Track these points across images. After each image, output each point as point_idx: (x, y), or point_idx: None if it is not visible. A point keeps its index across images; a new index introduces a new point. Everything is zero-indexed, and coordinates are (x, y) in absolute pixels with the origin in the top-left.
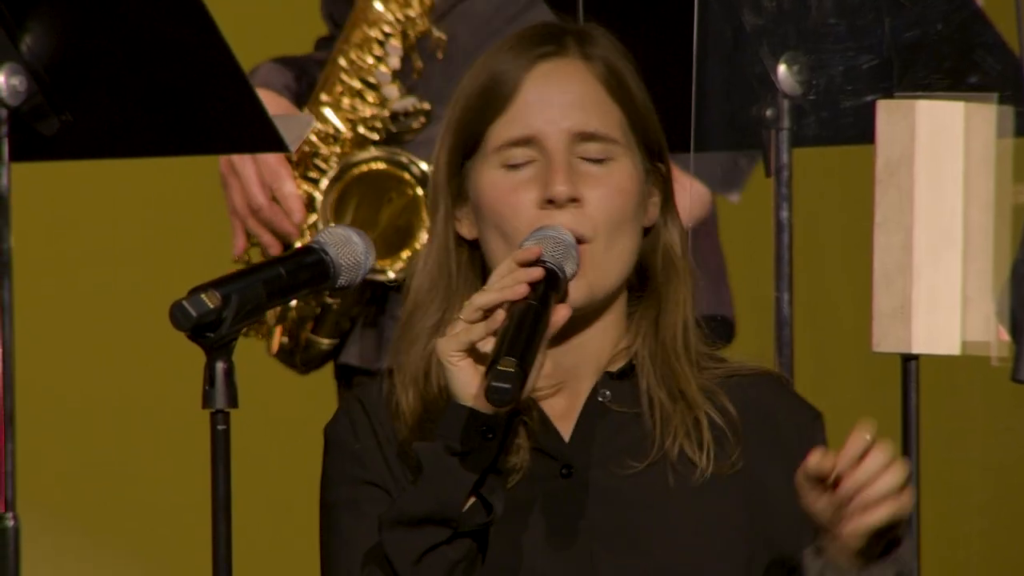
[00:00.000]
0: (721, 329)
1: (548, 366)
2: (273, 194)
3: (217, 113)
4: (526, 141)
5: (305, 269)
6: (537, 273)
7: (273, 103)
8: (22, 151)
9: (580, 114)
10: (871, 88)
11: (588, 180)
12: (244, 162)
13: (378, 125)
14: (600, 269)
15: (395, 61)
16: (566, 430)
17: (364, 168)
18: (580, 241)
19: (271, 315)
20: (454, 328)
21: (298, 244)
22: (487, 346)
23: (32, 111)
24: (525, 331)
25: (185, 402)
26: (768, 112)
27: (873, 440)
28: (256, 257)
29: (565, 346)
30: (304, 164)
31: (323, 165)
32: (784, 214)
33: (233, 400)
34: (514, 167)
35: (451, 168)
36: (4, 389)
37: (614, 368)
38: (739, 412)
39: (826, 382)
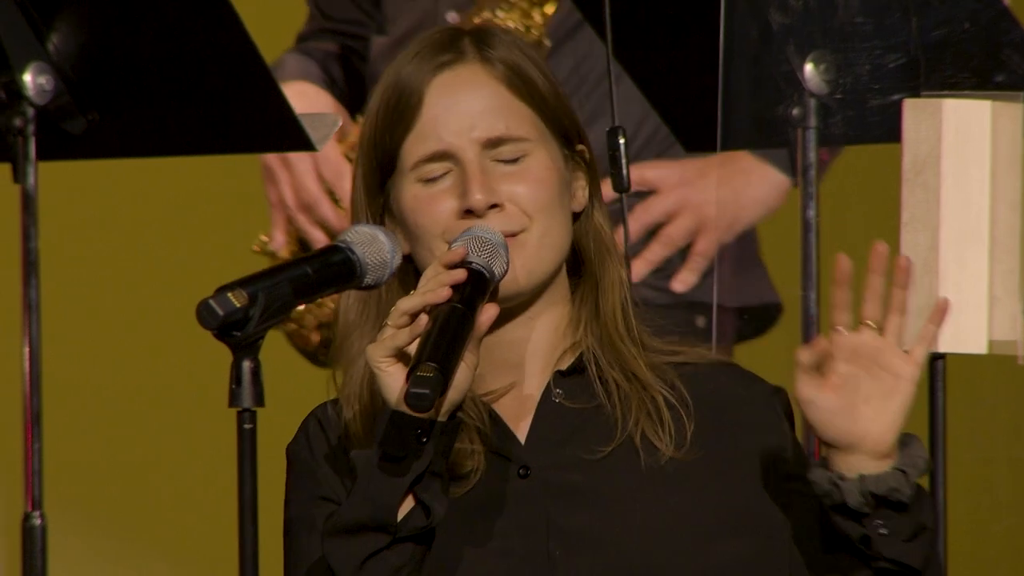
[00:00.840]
0: (770, 314)
1: (485, 361)
2: (332, 194)
3: (243, 112)
4: (440, 156)
5: (332, 268)
6: (460, 275)
7: (313, 95)
8: (49, 150)
9: (486, 119)
10: (898, 87)
11: (506, 180)
12: (300, 155)
13: None
14: (535, 256)
15: None
16: (521, 431)
17: None
18: (513, 235)
19: (311, 318)
20: (383, 334)
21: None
22: (414, 350)
23: (59, 110)
24: (447, 335)
25: (212, 401)
26: (795, 111)
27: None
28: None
29: (510, 340)
30: None
31: None
32: (811, 213)
33: (259, 399)
34: (432, 180)
35: (370, 188)
36: (31, 388)
37: (564, 365)
38: (696, 402)
39: None
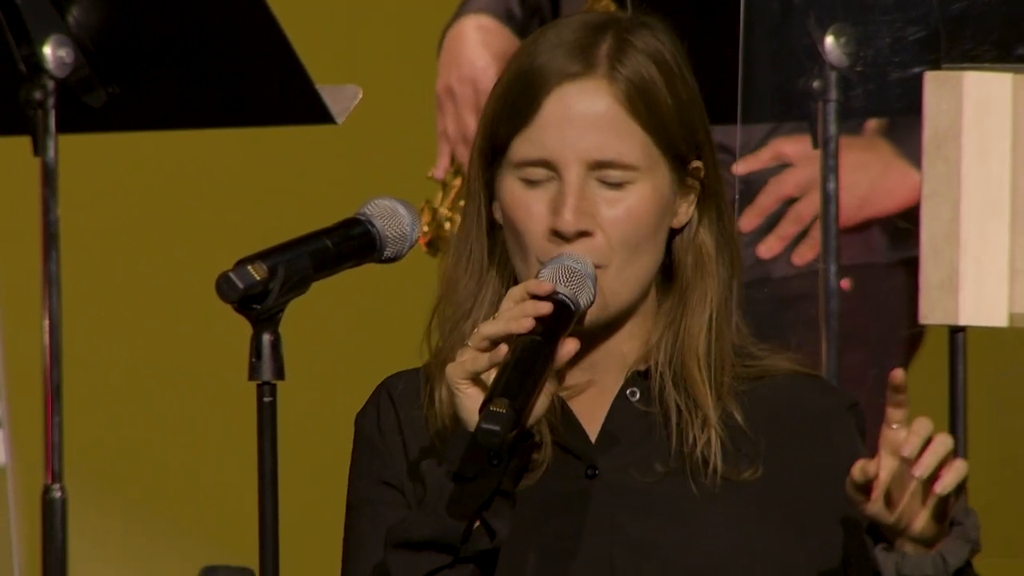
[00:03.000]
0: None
1: (572, 377)
2: None
3: (263, 85)
4: (543, 163)
5: (351, 241)
6: (545, 308)
7: (494, 31)
8: (69, 123)
9: (598, 141)
10: (918, 60)
11: (602, 204)
12: (464, 89)
13: None
14: (613, 292)
15: None
16: (592, 430)
17: None
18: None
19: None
20: (463, 355)
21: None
22: (492, 376)
23: (79, 83)
24: (523, 368)
25: (232, 374)
26: (815, 84)
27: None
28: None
29: (594, 345)
30: None
31: None
32: (831, 186)
33: (280, 372)
34: (532, 183)
35: (484, 161)
36: (51, 361)
37: (642, 367)
38: (769, 414)
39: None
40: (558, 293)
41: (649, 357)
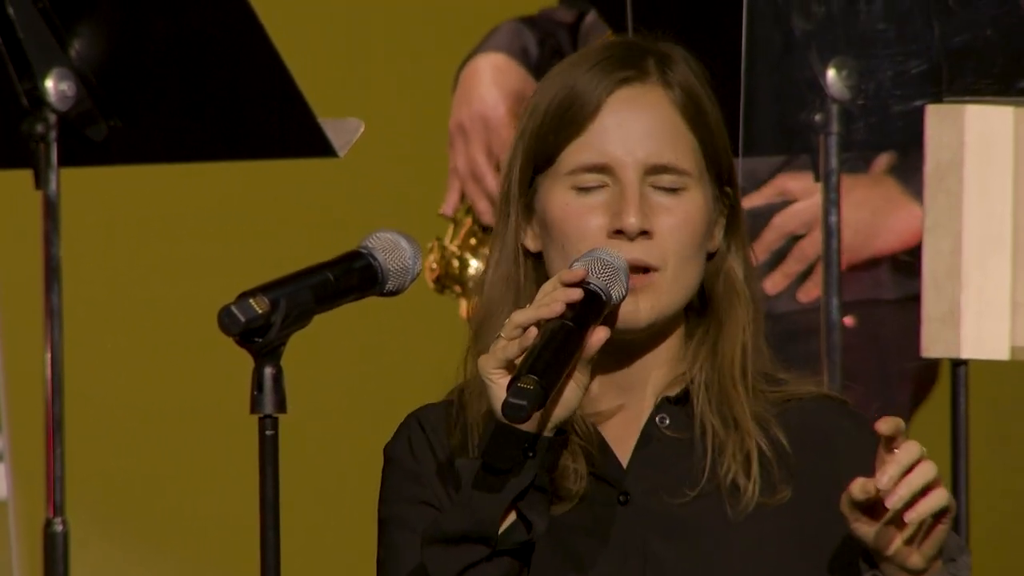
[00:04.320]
0: None
1: (596, 382)
2: (499, 166)
3: (265, 118)
4: (600, 168)
5: (353, 274)
6: (576, 294)
7: (507, 69)
8: (71, 156)
9: (656, 145)
10: (920, 93)
11: (659, 210)
12: (475, 127)
13: None
14: (667, 296)
15: None
16: (624, 455)
17: None
18: (649, 270)
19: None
20: (495, 345)
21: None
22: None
23: (81, 116)
24: (551, 349)
25: (233, 407)
26: (817, 117)
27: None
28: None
29: (626, 368)
30: None
31: None
32: (833, 219)
33: (281, 405)
34: (585, 190)
35: (523, 180)
36: (53, 394)
37: (672, 393)
38: (796, 436)
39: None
40: (590, 283)
41: (679, 382)
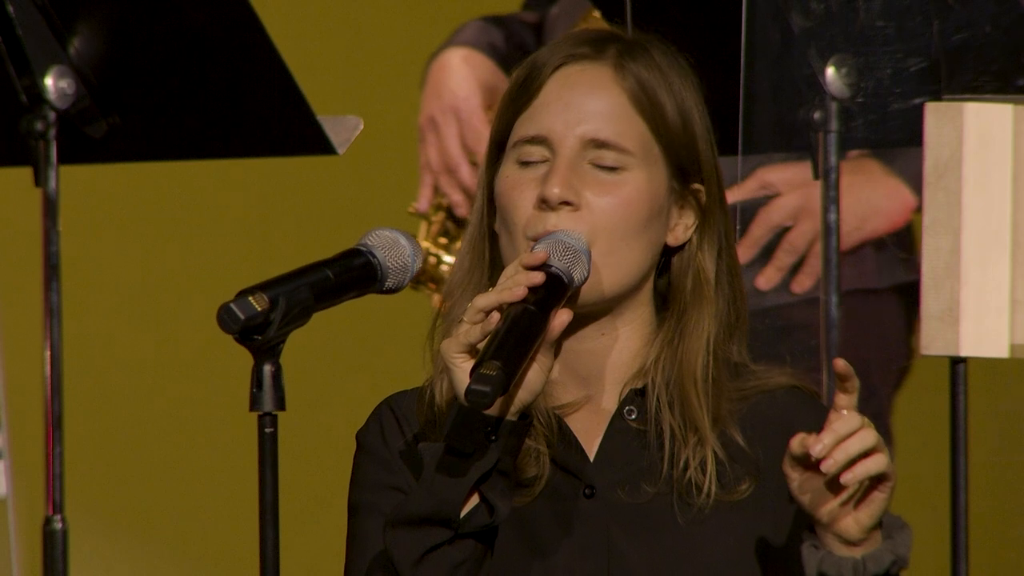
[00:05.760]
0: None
1: (559, 371)
2: (472, 157)
3: (264, 116)
4: (539, 140)
5: (352, 272)
6: (537, 277)
7: (477, 63)
8: (70, 153)
9: (596, 120)
10: (919, 91)
11: (594, 186)
12: (446, 119)
13: None
14: (605, 274)
15: None
16: (590, 447)
17: None
18: None
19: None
20: (458, 329)
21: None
22: None
23: (80, 114)
24: (515, 334)
25: (233, 405)
26: (816, 115)
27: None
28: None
29: (585, 351)
30: None
31: None
32: (832, 216)
33: (280, 403)
34: (528, 164)
35: (490, 161)
36: (52, 392)
37: (638, 385)
38: (761, 430)
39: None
40: (551, 266)
41: (645, 374)
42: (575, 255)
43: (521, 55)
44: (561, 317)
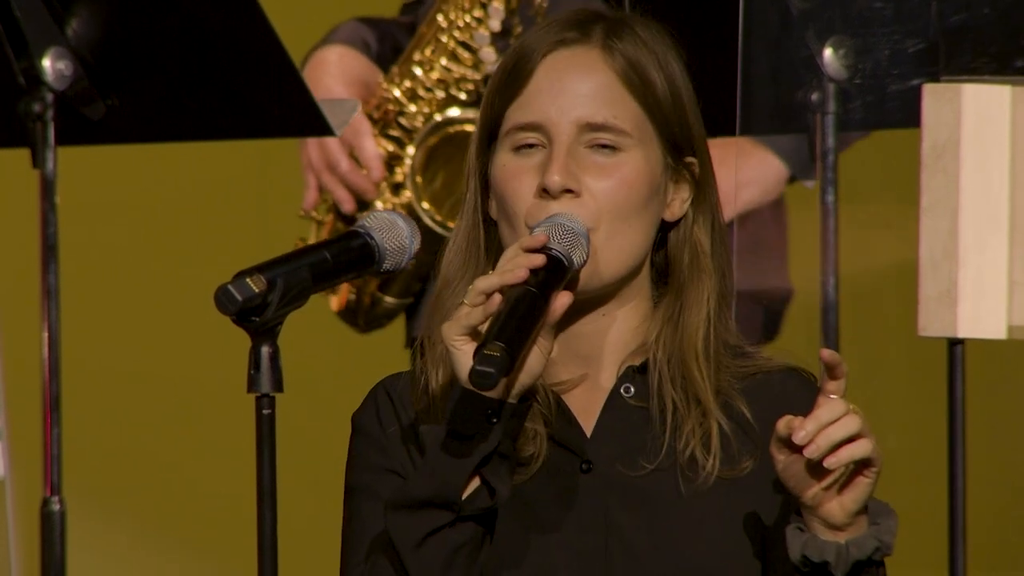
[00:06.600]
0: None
1: (558, 351)
2: (352, 151)
3: (262, 97)
4: (534, 127)
5: (350, 253)
6: (538, 260)
7: (352, 60)
8: (68, 135)
9: (590, 104)
10: (917, 72)
11: (593, 170)
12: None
13: (469, 87)
14: (599, 258)
15: (496, 24)
16: (588, 424)
17: (457, 128)
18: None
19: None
20: (458, 312)
21: (379, 205)
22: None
23: (78, 95)
24: (516, 316)
25: (230, 386)
26: (814, 96)
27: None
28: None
29: (584, 332)
30: (386, 122)
31: (407, 124)
32: (830, 198)
33: (278, 384)
34: (523, 151)
35: (480, 148)
36: (50, 374)
37: (637, 362)
38: (761, 409)
39: (872, 367)
40: (551, 248)
41: (643, 352)
42: (574, 238)
43: (395, 55)
44: (562, 299)
